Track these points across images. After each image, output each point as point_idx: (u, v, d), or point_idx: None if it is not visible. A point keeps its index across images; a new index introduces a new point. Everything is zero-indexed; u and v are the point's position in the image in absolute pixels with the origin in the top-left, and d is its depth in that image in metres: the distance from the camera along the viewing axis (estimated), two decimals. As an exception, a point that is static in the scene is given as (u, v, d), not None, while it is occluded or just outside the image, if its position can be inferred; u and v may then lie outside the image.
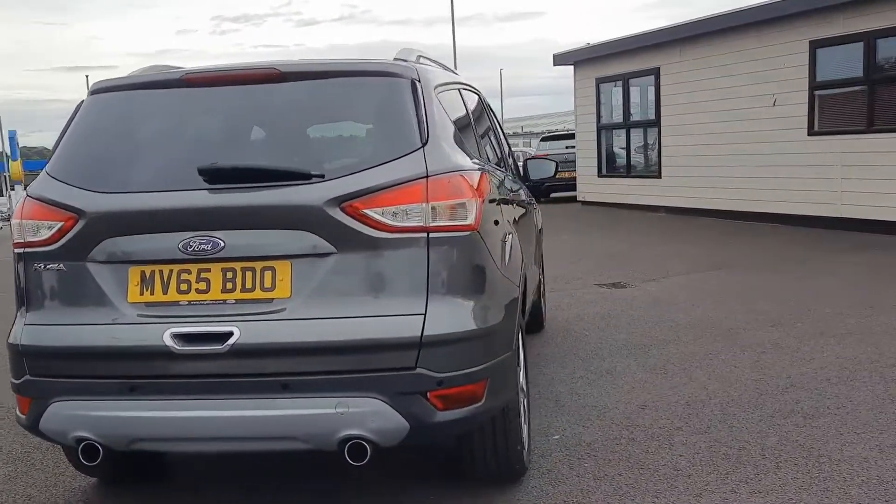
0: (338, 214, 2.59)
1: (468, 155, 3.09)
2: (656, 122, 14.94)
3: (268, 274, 2.63)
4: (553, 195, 19.49)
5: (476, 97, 4.30)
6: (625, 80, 15.72)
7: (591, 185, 17.08)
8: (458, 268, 2.72)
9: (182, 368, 2.60)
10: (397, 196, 2.63)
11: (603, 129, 16.62)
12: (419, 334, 2.58)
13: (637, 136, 15.95)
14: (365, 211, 2.60)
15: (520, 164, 5.40)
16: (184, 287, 2.65)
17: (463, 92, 3.72)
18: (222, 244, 2.61)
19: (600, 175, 16.76)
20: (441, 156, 2.79)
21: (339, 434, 2.57)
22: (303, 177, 2.64)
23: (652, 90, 15.05)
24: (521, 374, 3.50)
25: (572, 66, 17.27)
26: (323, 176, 2.64)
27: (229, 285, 2.63)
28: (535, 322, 5.88)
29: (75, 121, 2.98)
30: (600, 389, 4.49)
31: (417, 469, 3.52)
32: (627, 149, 16.08)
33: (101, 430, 2.67)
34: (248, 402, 2.57)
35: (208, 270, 2.64)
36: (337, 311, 2.60)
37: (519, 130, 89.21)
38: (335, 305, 2.61)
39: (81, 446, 2.70)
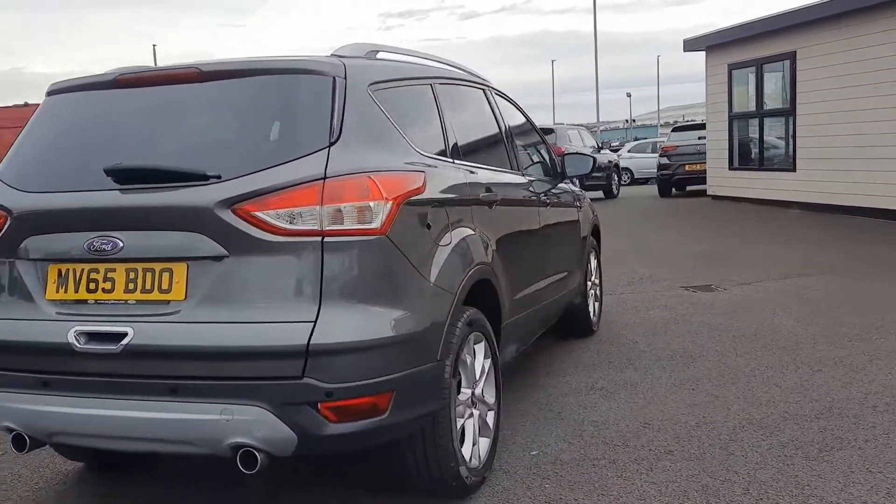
0: (228, 217, 2.53)
1: (404, 155, 2.93)
2: (791, 111, 13.84)
3: (165, 275, 2.61)
4: (689, 188, 18.64)
5: (479, 94, 4.11)
6: (758, 65, 14.69)
7: (721, 179, 16.12)
8: (358, 274, 2.59)
9: (83, 366, 2.64)
10: (290, 198, 2.53)
11: (735, 119, 15.63)
12: (305, 343, 2.47)
13: (772, 126, 14.87)
14: (256, 213, 2.53)
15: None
16: (92, 286, 2.68)
17: (438, 87, 3.54)
18: (121, 244, 2.62)
19: (731, 168, 15.78)
20: (349, 156, 2.66)
21: (227, 441, 2.52)
22: (199, 178, 2.60)
23: (786, 76, 13.95)
24: (485, 386, 3.32)
25: (704, 52, 16.33)
26: (220, 177, 2.59)
27: (131, 285, 2.64)
28: (578, 326, 5.59)
29: (29, 122, 3.09)
30: (612, 403, 4.19)
31: (359, 478, 3.42)
32: (760, 140, 15.02)
33: (23, 422, 2.76)
34: (141, 404, 2.57)
35: (114, 270, 2.66)
36: (226, 316, 2.54)
37: (680, 119, 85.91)
38: (225, 310, 2.55)
39: (12, 435, 2.81)
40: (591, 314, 5.74)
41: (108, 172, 2.66)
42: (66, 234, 2.71)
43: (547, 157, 5.12)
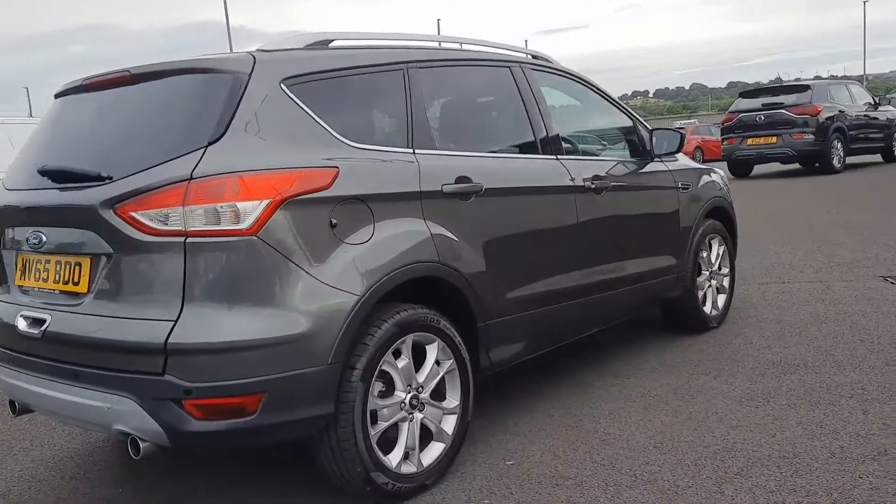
0: (111, 216, 2.67)
1: (323, 150, 2.86)
2: None
3: (77, 269, 2.84)
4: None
5: (498, 73, 3.84)
6: None
7: None
8: (224, 276, 2.60)
9: (24, 347, 2.97)
10: (159, 199, 2.60)
11: None
12: (163, 341, 2.55)
13: None
14: (133, 213, 2.63)
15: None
16: (36, 275, 3.00)
17: (415, 72, 3.36)
18: (45, 239, 2.89)
19: None
20: (229, 156, 2.66)
21: (113, 427, 2.70)
22: (96, 178, 2.76)
23: None
24: (446, 389, 3.17)
25: None
26: (111, 178, 2.73)
27: (56, 276, 2.91)
28: (687, 321, 5.04)
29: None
30: (648, 415, 3.74)
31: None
32: None
33: (4, 390, 3.19)
34: (57, 385, 2.84)
35: (49, 262, 2.95)
36: (110, 310, 2.70)
37: None
38: (111, 304, 2.71)
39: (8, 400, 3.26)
40: (707, 308, 5.11)
41: (40, 173, 2.94)
42: (21, 228, 3.05)
43: (634, 137, 4.63)
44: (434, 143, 3.34)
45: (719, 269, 5.29)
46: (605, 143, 4.74)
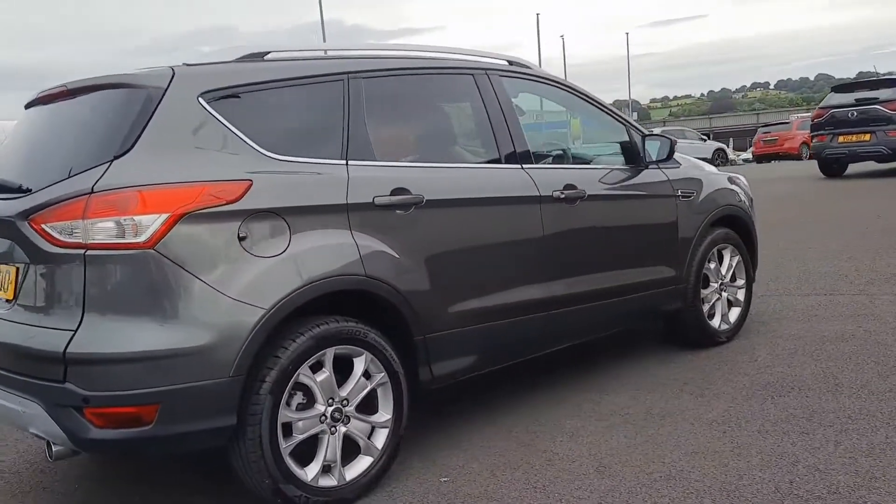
0: (26, 228, 2.77)
1: (240, 163, 2.88)
2: None
3: (7, 277, 2.96)
4: None
5: (460, 81, 3.77)
6: None
7: None
8: (121, 288, 2.67)
9: None
10: (63, 212, 2.68)
11: None
12: (62, 350, 2.63)
13: None
14: (43, 225, 2.72)
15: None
16: None
17: (357, 83, 3.33)
18: None
19: None
20: (133, 170, 2.72)
21: (29, 429, 2.81)
22: (20, 190, 2.87)
23: None
24: (379, 403, 3.16)
25: None
26: (30, 190, 2.83)
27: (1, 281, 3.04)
28: (689, 335, 4.81)
29: None
30: (602, 437, 3.58)
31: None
32: None
33: None
34: None
35: None
36: (24, 318, 2.82)
37: None
38: (25, 312, 2.83)
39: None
40: (716, 322, 4.86)
41: None
42: None
43: (626, 144, 4.45)
44: (373, 154, 3.31)
45: (732, 280, 5.02)
46: (591, 151, 4.57)
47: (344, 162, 3.20)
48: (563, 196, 3.89)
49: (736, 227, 5.02)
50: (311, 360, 2.98)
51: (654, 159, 4.39)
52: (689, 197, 4.65)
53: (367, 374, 3.16)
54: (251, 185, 2.87)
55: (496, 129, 3.77)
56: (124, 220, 2.65)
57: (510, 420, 3.87)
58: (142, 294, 2.68)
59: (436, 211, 3.40)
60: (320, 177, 3.10)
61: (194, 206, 2.73)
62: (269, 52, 3.27)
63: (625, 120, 4.49)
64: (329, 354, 3.03)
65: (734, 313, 5.03)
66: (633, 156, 4.42)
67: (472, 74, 3.82)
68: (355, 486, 3.10)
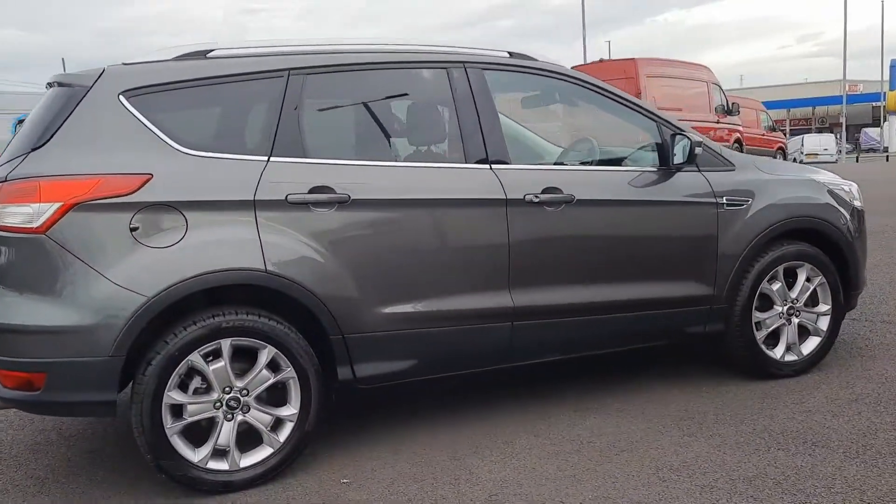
0: None
1: (148, 156, 3.08)
2: None
3: None
4: None
5: (425, 76, 3.65)
6: None
7: None
8: (13, 267, 3.00)
9: None
10: None
11: None
12: None
13: None
14: None
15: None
16: None
17: (299, 78, 3.34)
18: None
19: None
20: (41, 162, 3.01)
21: None
22: None
23: None
24: (289, 398, 3.25)
25: None
26: None
27: None
28: (735, 361, 4.24)
29: None
30: (529, 463, 3.30)
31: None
32: None
33: None
34: None
35: None
36: None
37: None
38: None
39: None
40: (777, 351, 4.18)
41: None
42: None
43: (649, 144, 3.97)
44: (303, 151, 3.32)
45: (811, 305, 4.28)
46: (601, 150, 4.10)
47: (265, 158, 3.26)
48: (537, 200, 3.59)
49: (821, 242, 4.26)
50: (206, 349, 3.11)
51: (680, 161, 3.86)
52: (740, 205, 4.03)
53: (275, 367, 3.23)
54: (150, 178, 3.05)
55: (464, 126, 3.58)
56: (25, 206, 2.96)
57: (459, 434, 3.68)
58: (35, 274, 2.98)
59: (364, 211, 3.34)
60: (230, 172, 3.19)
61: (87, 196, 2.97)
62: (212, 50, 3.41)
63: (655, 116, 4.00)
64: (226, 345, 3.13)
65: (810, 344, 4.29)
66: (661, 157, 3.94)
67: (446, 68, 3.64)
68: (247, 473, 3.20)
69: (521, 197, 3.57)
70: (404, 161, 3.57)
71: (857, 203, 4.49)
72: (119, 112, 3.14)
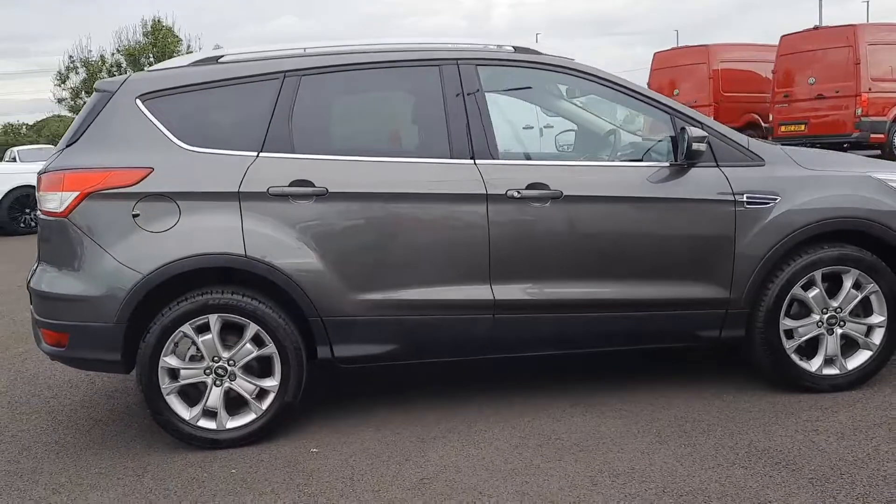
0: None
1: (154, 153, 3.54)
2: None
3: None
4: None
5: (418, 75, 3.80)
6: None
7: None
8: (50, 244, 3.61)
9: None
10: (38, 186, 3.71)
11: None
12: (27, 283, 3.70)
13: None
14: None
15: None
16: None
17: (293, 80, 3.63)
18: None
19: None
20: (71, 157, 3.58)
21: None
22: None
23: None
24: (271, 371, 3.60)
25: None
26: None
27: None
28: (764, 371, 3.97)
29: None
30: (481, 452, 3.39)
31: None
32: None
33: None
34: None
35: None
36: None
37: None
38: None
39: None
40: (814, 363, 3.84)
41: None
42: None
43: (660, 138, 3.80)
44: (291, 147, 3.62)
45: (862, 315, 3.88)
46: (601, 144, 3.94)
47: (255, 154, 3.60)
48: (519, 195, 3.62)
49: (876, 246, 3.83)
50: (198, 322, 3.54)
51: (683, 156, 3.66)
52: (765, 204, 3.74)
53: (259, 342, 3.60)
54: (150, 171, 3.52)
55: (451, 122, 3.67)
56: (55, 194, 3.55)
57: (441, 417, 3.81)
58: (63, 251, 3.56)
59: (342, 203, 3.57)
60: (222, 167, 3.57)
61: (98, 186, 3.50)
62: (223, 56, 3.80)
63: (669, 108, 3.81)
64: (213, 319, 3.54)
65: (858, 358, 3.89)
66: (670, 151, 3.77)
67: (439, 65, 3.75)
68: (232, 434, 3.61)
69: (503, 192, 3.62)
70: (387, 157, 3.73)
71: None
72: (135, 114, 3.63)
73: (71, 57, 40.61)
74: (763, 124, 19.25)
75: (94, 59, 39.96)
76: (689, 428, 3.55)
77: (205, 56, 3.83)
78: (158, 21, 45.44)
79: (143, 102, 3.64)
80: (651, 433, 3.52)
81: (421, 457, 3.41)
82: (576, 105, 4.27)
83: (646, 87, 4.04)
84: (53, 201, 3.56)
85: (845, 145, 14.47)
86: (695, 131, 3.62)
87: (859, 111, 15.29)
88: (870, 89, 14.94)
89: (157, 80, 3.72)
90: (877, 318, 3.87)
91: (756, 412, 3.69)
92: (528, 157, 4.08)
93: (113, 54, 40.39)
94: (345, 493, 3.12)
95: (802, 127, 17.76)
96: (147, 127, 3.61)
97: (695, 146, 3.60)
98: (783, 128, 18.16)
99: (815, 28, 16.73)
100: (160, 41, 42.97)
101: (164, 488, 3.26)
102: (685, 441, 3.41)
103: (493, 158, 3.68)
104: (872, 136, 14.97)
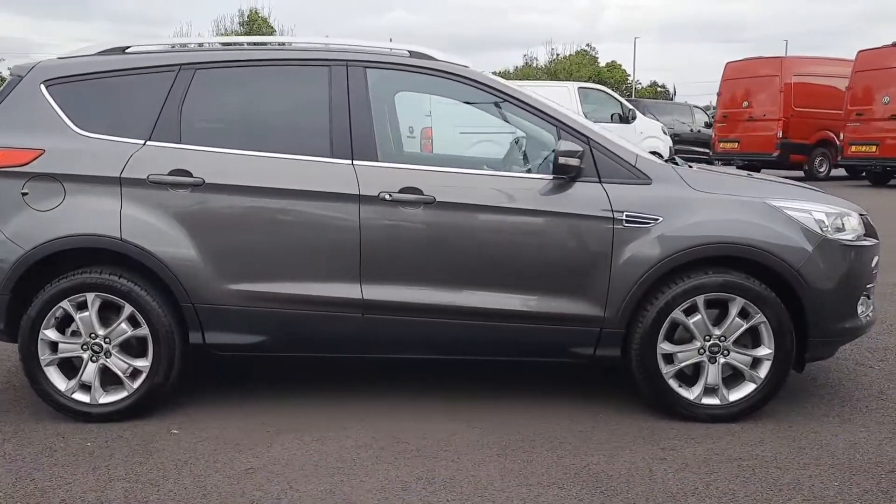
0: None
1: (48, 136, 3.74)
2: None
3: None
4: None
5: (305, 74, 3.89)
6: None
7: None
8: None
9: None
10: None
11: None
12: None
13: None
14: None
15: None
16: None
17: (188, 73, 3.77)
18: None
19: None
20: None
21: None
22: None
23: None
24: (143, 350, 3.75)
25: None
26: None
27: None
28: (650, 395, 3.86)
29: None
30: (346, 454, 3.44)
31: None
32: None
33: None
34: None
35: None
36: None
37: None
38: None
39: None
40: (693, 392, 3.73)
41: None
42: None
43: (539, 150, 3.77)
44: (178, 138, 3.75)
45: (750, 346, 3.73)
46: (484, 153, 3.89)
47: (142, 142, 3.75)
48: (390, 198, 3.64)
49: (766, 275, 3.68)
50: (77, 299, 3.71)
51: (552, 170, 3.62)
52: (645, 223, 3.64)
53: (135, 323, 3.75)
54: (42, 153, 3.71)
55: (334, 122, 3.73)
56: None
57: (321, 411, 3.89)
58: None
59: (217, 194, 3.68)
60: (108, 153, 3.72)
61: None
62: (129, 46, 3.96)
63: (558, 122, 3.75)
64: (91, 297, 3.71)
65: (742, 390, 3.75)
66: (550, 163, 3.72)
67: (329, 66, 3.81)
68: (105, 409, 3.77)
69: (376, 194, 3.65)
70: (268, 152, 3.80)
71: (843, 236, 3.76)
72: (37, 98, 3.83)
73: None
74: (838, 142, 18.44)
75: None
76: (538, 444, 3.50)
77: (112, 46, 4.00)
78: (255, 12, 46.92)
79: (46, 88, 3.83)
80: (497, 445, 3.49)
81: (265, 448, 3.48)
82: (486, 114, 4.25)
83: (547, 98, 3.92)
84: None
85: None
86: (565, 145, 3.56)
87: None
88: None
89: (63, 66, 3.91)
90: (763, 351, 3.71)
91: (618, 435, 3.61)
92: (410, 162, 4.09)
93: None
94: (169, 475, 3.22)
95: (874, 148, 16.95)
96: (47, 111, 3.81)
97: (562, 160, 3.55)
98: (853, 147, 17.37)
99: (894, 44, 15.86)
100: (255, 31, 44.48)
101: (20, 454, 3.43)
102: (524, 457, 3.37)
103: (373, 160, 3.71)
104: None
